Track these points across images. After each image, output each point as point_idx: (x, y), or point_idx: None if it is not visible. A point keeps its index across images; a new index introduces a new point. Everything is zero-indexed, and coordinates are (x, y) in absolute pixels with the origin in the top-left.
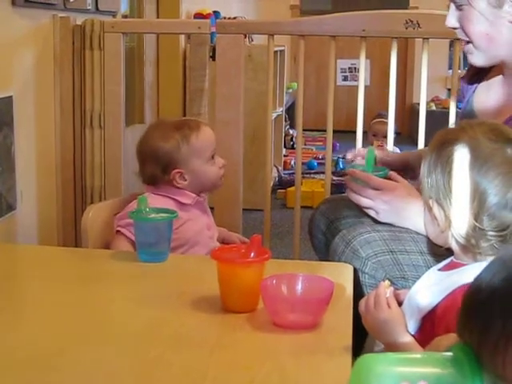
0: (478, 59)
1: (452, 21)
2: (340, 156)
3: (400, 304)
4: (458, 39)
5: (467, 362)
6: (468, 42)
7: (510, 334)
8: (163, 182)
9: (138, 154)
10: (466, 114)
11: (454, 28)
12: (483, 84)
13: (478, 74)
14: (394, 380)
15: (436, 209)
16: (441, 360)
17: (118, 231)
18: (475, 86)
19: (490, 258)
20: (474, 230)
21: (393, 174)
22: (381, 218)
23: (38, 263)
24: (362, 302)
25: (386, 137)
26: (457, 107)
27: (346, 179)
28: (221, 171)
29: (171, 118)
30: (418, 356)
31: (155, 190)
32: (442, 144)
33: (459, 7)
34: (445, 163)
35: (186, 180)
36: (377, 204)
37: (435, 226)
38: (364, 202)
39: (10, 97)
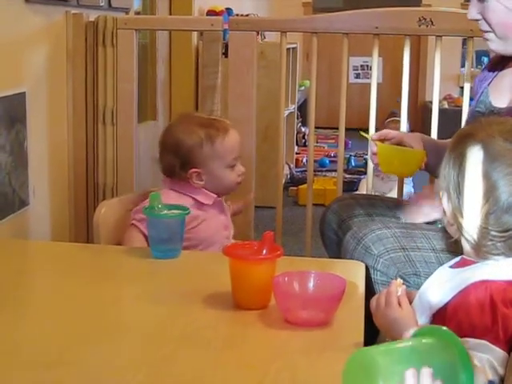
0: (498, 46)
1: (474, 13)
2: (352, 154)
3: (410, 303)
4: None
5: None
6: (489, 32)
7: None
8: (180, 178)
9: (160, 142)
10: (481, 103)
11: (476, 20)
12: (500, 73)
13: (500, 64)
14: (401, 370)
15: (445, 201)
16: (432, 345)
17: (132, 224)
18: (491, 77)
19: (497, 257)
20: (477, 228)
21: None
22: None
23: (50, 259)
24: (373, 300)
25: None
26: (470, 105)
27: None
28: (239, 179)
29: (201, 114)
30: (414, 343)
31: (175, 187)
32: (459, 139)
33: (481, 0)
34: (458, 158)
35: (202, 180)
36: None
37: (445, 218)
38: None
39: (23, 93)
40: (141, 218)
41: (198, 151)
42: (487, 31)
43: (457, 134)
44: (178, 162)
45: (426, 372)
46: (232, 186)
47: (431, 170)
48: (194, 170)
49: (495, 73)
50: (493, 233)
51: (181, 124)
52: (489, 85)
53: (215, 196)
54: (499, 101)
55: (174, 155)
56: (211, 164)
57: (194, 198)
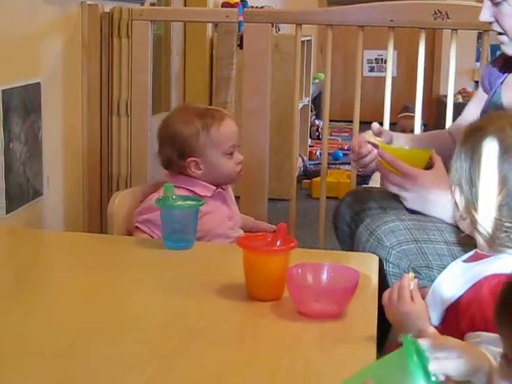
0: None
1: (487, 15)
2: None
3: (423, 299)
4: (487, 31)
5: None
6: (502, 34)
7: None
8: (178, 168)
9: (158, 135)
10: (492, 104)
11: (489, 22)
12: None
13: (508, 64)
14: None
15: (458, 195)
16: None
17: (136, 227)
18: (504, 76)
19: (510, 250)
20: (491, 220)
21: (434, 156)
22: (406, 205)
23: (64, 249)
24: (386, 295)
25: (413, 131)
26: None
27: (378, 161)
28: (238, 167)
29: (198, 104)
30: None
31: (174, 181)
32: (469, 132)
33: (496, 3)
34: (469, 151)
35: (200, 170)
36: (401, 191)
37: (456, 212)
38: (390, 188)
39: (38, 83)
40: (143, 219)
41: (194, 140)
42: (500, 33)
43: (467, 127)
44: (175, 153)
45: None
46: (231, 174)
47: None
48: (191, 158)
49: (506, 73)
50: (507, 224)
51: (177, 115)
52: (501, 84)
53: (214, 188)
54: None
55: (171, 146)
56: (208, 152)
57: (191, 191)
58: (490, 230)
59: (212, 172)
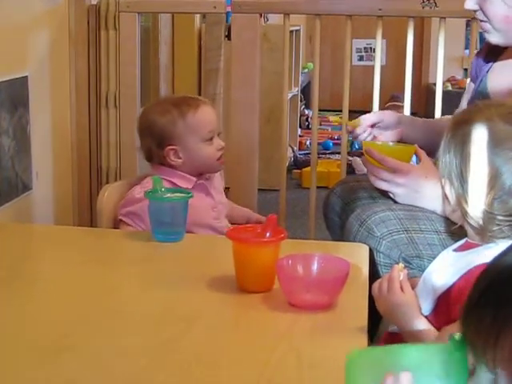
0: (495, 38)
1: (472, 3)
2: None
3: (413, 289)
4: (475, 18)
5: (458, 353)
6: (486, 22)
7: (500, 325)
8: (158, 159)
9: (137, 128)
10: (478, 94)
11: (474, 10)
12: (498, 64)
13: (493, 52)
14: (378, 372)
15: (448, 188)
16: (429, 350)
17: (120, 220)
18: (489, 65)
19: (501, 241)
20: (483, 213)
21: (418, 150)
22: (398, 200)
23: (54, 243)
24: (376, 286)
25: None
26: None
27: (363, 158)
28: (218, 153)
29: (174, 95)
30: (405, 348)
31: (156, 173)
32: (457, 124)
33: None
34: (458, 144)
35: (180, 158)
36: (391, 187)
37: (447, 205)
38: (379, 184)
39: (26, 77)
40: (127, 211)
41: (171, 128)
42: (484, 21)
43: (454, 118)
44: (154, 143)
45: (405, 377)
46: (212, 161)
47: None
48: (170, 147)
49: (491, 62)
50: (499, 217)
51: (153, 107)
52: (487, 72)
53: (195, 179)
54: (498, 95)
55: (149, 136)
56: (186, 139)
57: (171, 182)
58: (481, 222)
59: (191, 160)
